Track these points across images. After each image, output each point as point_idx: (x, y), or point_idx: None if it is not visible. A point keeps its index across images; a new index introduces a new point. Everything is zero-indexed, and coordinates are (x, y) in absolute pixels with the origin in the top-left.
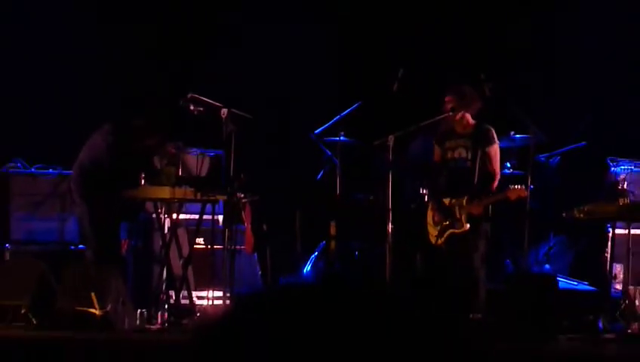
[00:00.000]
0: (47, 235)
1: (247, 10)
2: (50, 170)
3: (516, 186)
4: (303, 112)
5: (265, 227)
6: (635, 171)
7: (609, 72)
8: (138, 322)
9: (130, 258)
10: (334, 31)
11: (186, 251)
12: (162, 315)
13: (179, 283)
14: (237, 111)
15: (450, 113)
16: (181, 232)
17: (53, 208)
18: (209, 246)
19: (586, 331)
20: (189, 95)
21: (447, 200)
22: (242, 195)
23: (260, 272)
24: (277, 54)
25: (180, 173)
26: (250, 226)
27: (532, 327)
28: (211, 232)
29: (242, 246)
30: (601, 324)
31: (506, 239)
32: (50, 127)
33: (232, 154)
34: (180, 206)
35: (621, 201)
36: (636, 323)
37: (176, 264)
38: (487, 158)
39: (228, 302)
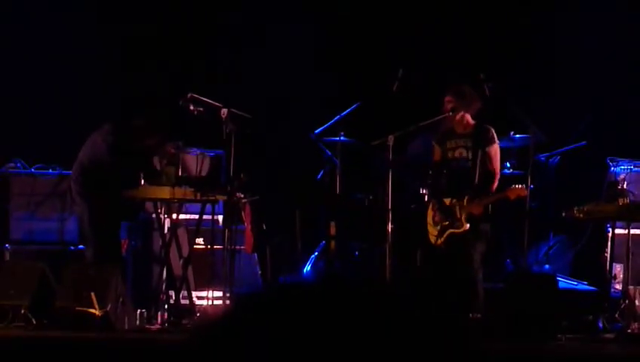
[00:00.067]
0: (47, 235)
1: (247, 10)
2: (50, 171)
3: (516, 186)
4: (302, 112)
5: (265, 227)
6: (635, 171)
7: (609, 72)
8: (138, 322)
9: (129, 258)
10: (334, 31)
11: (185, 251)
12: (162, 315)
13: (179, 283)
14: (237, 111)
15: (450, 113)
16: (181, 232)
17: (53, 208)
18: (209, 246)
19: (586, 331)
20: (189, 95)
21: (447, 200)
22: (242, 195)
23: (259, 272)
24: (277, 54)
25: (180, 173)
26: (250, 226)
27: (532, 327)
28: (211, 232)
29: (242, 246)
30: (600, 324)
31: (505, 239)
32: (50, 127)
33: (232, 154)
34: (179, 206)
35: (621, 201)
36: (636, 323)
37: (176, 264)
38: (487, 158)
39: (228, 302)
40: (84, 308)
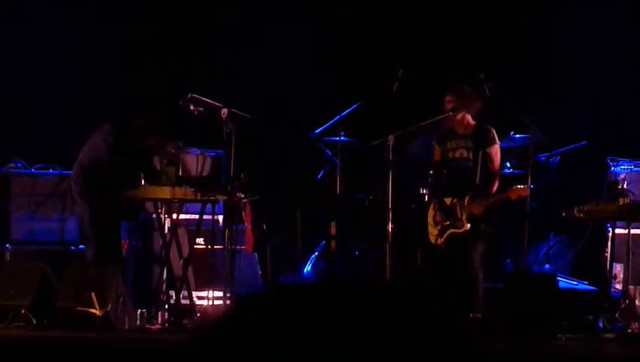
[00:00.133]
0: (48, 235)
1: (247, 10)
2: (51, 171)
3: (518, 186)
4: (303, 112)
5: (265, 227)
6: (635, 171)
7: (609, 72)
8: (138, 322)
9: (130, 258)
10: (334, 31)
11: (186, 251)
12: (162, 315)
13: (179, 283)
14: (237, 111)
15: (450, 113)
16: (181, 232)
17: (53, 208)
18: (209, 246)
19: (586, 331)
20: (189, 95)
21: (448, 200)
22: (242, 195)
23: (260, 272)
24: (277, 54)
25: (180, 173)
26: (250, 226)
27: (532, 327)
28: (211, 232)
29: (242, 246)
30: (601, 324)
31: (505, 239)
32: (51, 127)
33: (232, 154)
34: (180, 206)
35: (621, 201)
36: (636, 323)
37: (177, 264)
38: (488, 159)
39: (228, 302)
40: (85, 308)
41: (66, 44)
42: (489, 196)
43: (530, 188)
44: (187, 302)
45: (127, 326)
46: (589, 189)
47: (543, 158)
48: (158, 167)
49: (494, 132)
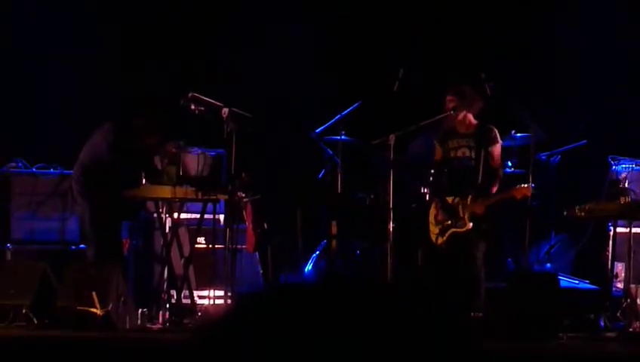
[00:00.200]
0: (48, 235)
1: (247, 10)
2: (51, 170)
3: (522, 185)
4: (303, 112)
5: (266, 226)
6: (636, 170)
7: (609, 71)
8: (139, 321)
9: (131, 257)
10: (334, 31)
11: (187, 250)
12: (163, 315)
13: (180, 282)
14: (238, 111)
15: (452, 112)
16: (182, 232)
17: (54, 208)
18: (210, 246)
19: (588, 330)
20: (190, 94)
21: (450, 200)
22: (243, 194)
23: (261, 271)
24: (277, 54)
25: (181, 173)
26: (251, 225)
27: (533, 326)
28: (212, 231)
29: (243, 246)
30: (602, 323)
31: (507, 238)
32: (51, 126)
33: (233, 154)
34: (181, 205)
35: (622, 200)
36: (637, 322)
37: (178, 263)
38: (490, 158)
39: (229, 301)
40: (86, 308)
41: (66, 44)
42: (492, 195)
43: (531, 187)
44: (188, 301)
45: (128, 326)
46: (590, 188)
47: (543, 157)
48: (159, 167)
49: (496, 131)
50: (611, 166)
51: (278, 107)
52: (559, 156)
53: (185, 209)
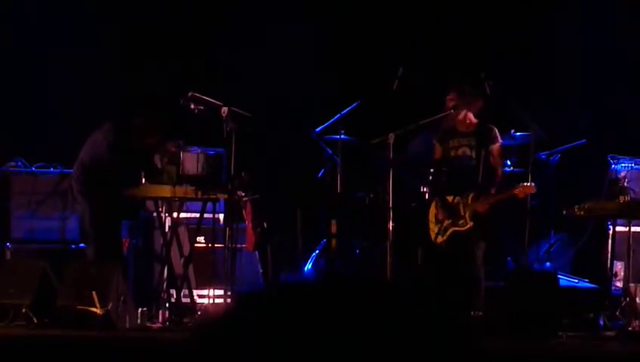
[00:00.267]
0: (48, 234)
1: (247, 10)
2: (51, 169)
3: (525, 184)
4: (303, 111)
5: (266, 225)
6: (636, 169)
7: (609, 71)
8: (139, 321)
9: (131, 257)
10: (334, 31)
11: (186, 250)
12: (163, 314)
13: (180, 281)
14: (237, 110)
15: (451, 111)
16: (182, 231)
17: (54, 207)
18: (210, 245)
19: (587, 329)
20: (190, 94)
21: (450, 198)
22: (243, 194)
23: (260, 271)
24: (277, 54)
25: (181, 172)
26: (250, 225)
27: (533, 325)
28: (212, 231)
29: (243, 245)
30: (601, 322)
31: (506, 237)
32: (51, 126)
33: (233, 153)
34: (180, 204)
35: (621, 199)
36: (637, 321)
37: (177, 262)
38: (490, 157)
39: (229, 300)
40: (86, 307)
41: (66, 44)
42: (495, 194)
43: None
44: (188, 300)
45: (127, 325)
46: (590, 187)
47: (543, 156)
48: (159, 166)
49: (496, 130)
50: (611, 165)
51: (277, 106)
52: (559, 155)
53: (184, 208)
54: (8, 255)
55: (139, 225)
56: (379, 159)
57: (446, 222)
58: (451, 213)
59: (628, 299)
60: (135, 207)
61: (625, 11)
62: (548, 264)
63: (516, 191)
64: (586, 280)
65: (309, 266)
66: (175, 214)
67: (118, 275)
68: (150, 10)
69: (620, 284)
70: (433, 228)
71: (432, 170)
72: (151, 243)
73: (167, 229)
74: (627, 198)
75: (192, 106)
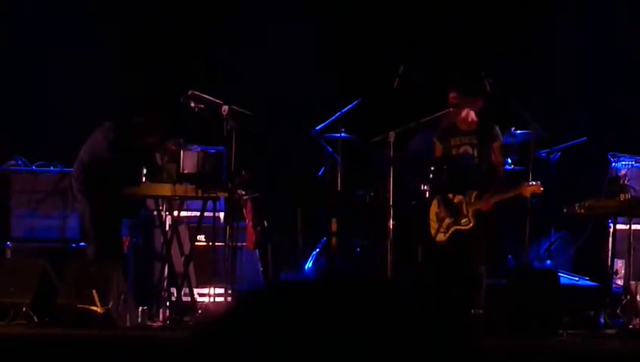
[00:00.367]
0: (48, 233)
1: (247, 10)
2: (51, 168)
3: (532, 183)
4: (303, 109)
5: (266, 224)
6: (636, 167)
7: (609, 68)
8: (139, 319)
9: (131, 255)
10: (334, 31)
11: (187, 248)
12: (164, 312)
13: (180, 280)
14: (237, 108)
15: (451, 109)
16: (182, 229)
17: (54, 206)
18: (210, 244)
19: (588, 327)
20: (190, 92)
21: (453, 197)
22: (243, 192)
23: (261, 269)
24: (277, 54)
25: (181, 170)
26: (251, 223)
27: (533, 323)
28: (212, 229)
29: (243, 243)
30: (602, 320)
31: (507, 235)
32: (51, 124)
33: (233, 151)
34: (181, 203)
35: (622, 197)
36: (637, 319)
37: (178, 261)
38: (492, 155)
39: (229, 299)
40: (86, 306)
41: (66, 44)
42: (501, 192)
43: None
44: (188, 299)
45: (128, 324)
46: (590, 185)
47: (543, 154)
48: (160, 164)
49: (498, 129)
50: (611, 163)
51: (278, 105)
52: (559, 153)
53: (185, 206)
54: (8, 254)
55: (139, 223)
56: (379, 157)
57: (448, 221)
58: (454, 211)
59: (628, 296)
60: (135, 205)
61: (625, 11)
62: (548, 262)
63: (522, 189)
64: (587, 278)
65: (309, 264)
66: (175, 213)
67: (119, 274)
68: (150, 10)
69: (620, 282)
70: (434, 226)
71: (432, 169)
72: (151, 241)
73: (167, 228)
74: (627, 196)
75: (193, 105)
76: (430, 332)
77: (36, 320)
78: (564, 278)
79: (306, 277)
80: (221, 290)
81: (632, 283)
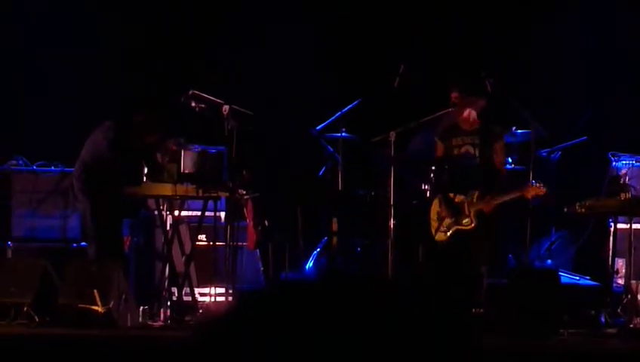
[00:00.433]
0: (49, 233)
1: (247, 10)
2: (52, 168)
3: (536, 185)
4: (304, 109)
5: (267, 223)
6: (637, 166)
7: (609, 69)
8: (140, 319)
9: (132, 255)
10: (334, 31)
11: (188, 248)
12: (165, 312)
13: (181, 279)
14: (238, 108)
15: (451, 109)
16: (183, 229)
17: (55, 205)
18: (211, 243)
19: (588, 326)
20: (191, 92)
21: (455, 197)
22: (244, 192)
23: (262, 269)
24: (277, 51)
25: (182, 170)
26: (252, 223)
27: (534, 322)
28: (213, 229)
29: (244, 243)
30: (603, 319)
31: (508, 234)
32: (52, 124)
33: (234, 151)
34: (181, 203)
35: (622, 196)
36: (638, 318)
37: (179, 261)
38: (494, 155)
39: (230, 298)
40: (87, 305)
41: (66, 44)
42: (501, 193)
43: (532, 184)
44: (189, 298)
45: (129, 324)
46: (591, 184)
47: (544, 154)
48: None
49: (500, 129)
50: (612, 162)
51: (278, 105)
52: (560, 152)
53: (186, 206)
54: (9, 253)
55: (140, 223)
56: (380, 157)
57: (449, 220)
58: (455, 211)
59: (629, 296)
60: (136, 205)
61: (625, 11)
62: (549, 261)
63: (525, 191)
64: (588, 277)
65: (310, 264)
66: (176, 212)
67: (120, 273)
68: (150, 10)
69: (621, 281)
70: (434, 225)
71: (433, 168)
72: (152, 241)
73: (168, 227)
74: (628, 195)
75: (193, 104)
76: (430, 332)
77: (37, 319)
78: (565, 278)
79: (306, 277)
80: (222, 290)
81: (633, 282)
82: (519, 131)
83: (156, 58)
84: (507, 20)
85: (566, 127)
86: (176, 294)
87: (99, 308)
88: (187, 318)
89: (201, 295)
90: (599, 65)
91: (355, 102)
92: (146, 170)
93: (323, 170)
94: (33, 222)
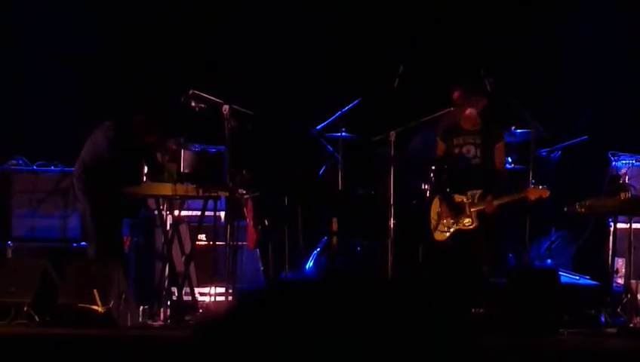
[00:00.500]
0: (49, 232)
1: (247, 10)
2: (52, 168)
3: (540, 187)
4: (304, 109)
5: (267, 223)
6: (636, 165)
7: (609, 69)
8: (140, 319)
9: (132, 255)
10: (334, 31)
11: (188, 247)
12: (165, 312)
13: (181, 279)
14: (238, 108)
15: (452, 108)
16: (183, 229)
17: (55, 205)
18: (211, 243)
19: (588, 325)
20: (191, 91)
21: (457, 197)
22: (244, 191)
23: (262, 268)
24: (277, 51)
25: (182, 170)
26: (252, 222)
27: (534, 322)
28: (213, 228)
29: (244, 243)
30: (603, 319)
31: (507, 234)
32: (52, 124)
33: (234, 151)
34: (181, 202)
35: (622, 196)
36: (638, 318)
37: (179, 260)
38: (494, 155)
39: (230, 298)
40: (87, 305)
41: (66, 44)
42: (503, 195)
43: (531, 184)
44: (189, 298)
45: (129, 323)
46: (591, 184)
47: (544, 153)
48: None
49: (501, 129)
50: (611, 162)
51: (278, 105)
52: (559, 152)
53: (186, 206)
54: (9, 253)
55: (140, 223)
56: (380, 157)
57: (449, 220)
58: (456, 211)
59: (629, 295)
60: (136, 205)
61: (625, 11)
62: (549, 261)
63: (528, 193)
64: (587, 277)
65: (310, 264)
66: (176, 212)
67: (120, 273)
68: (150, 10)
69: (621, 281)
70: (435, 225)
71: (433, 168)
72: (152, 241)
73: (168, 227)
74: (628, 195)
75: (193, 104)
76: (430, 332)
77: (37, 319)
78: (565, 277)
79: (306, 277)
80: (222, 290)
81: (633, 281)
82: (519, 131)
83: (156, 58)
84: (507, 20)
85: (566, 127)
86: (176, 294)
87: (99, 308)
88: (187, 318)
89: (201, 295)
90: (599, 65)
91: (355, 101)
92: (146, 170)
93: (323, 169)
94: (33, 222)
